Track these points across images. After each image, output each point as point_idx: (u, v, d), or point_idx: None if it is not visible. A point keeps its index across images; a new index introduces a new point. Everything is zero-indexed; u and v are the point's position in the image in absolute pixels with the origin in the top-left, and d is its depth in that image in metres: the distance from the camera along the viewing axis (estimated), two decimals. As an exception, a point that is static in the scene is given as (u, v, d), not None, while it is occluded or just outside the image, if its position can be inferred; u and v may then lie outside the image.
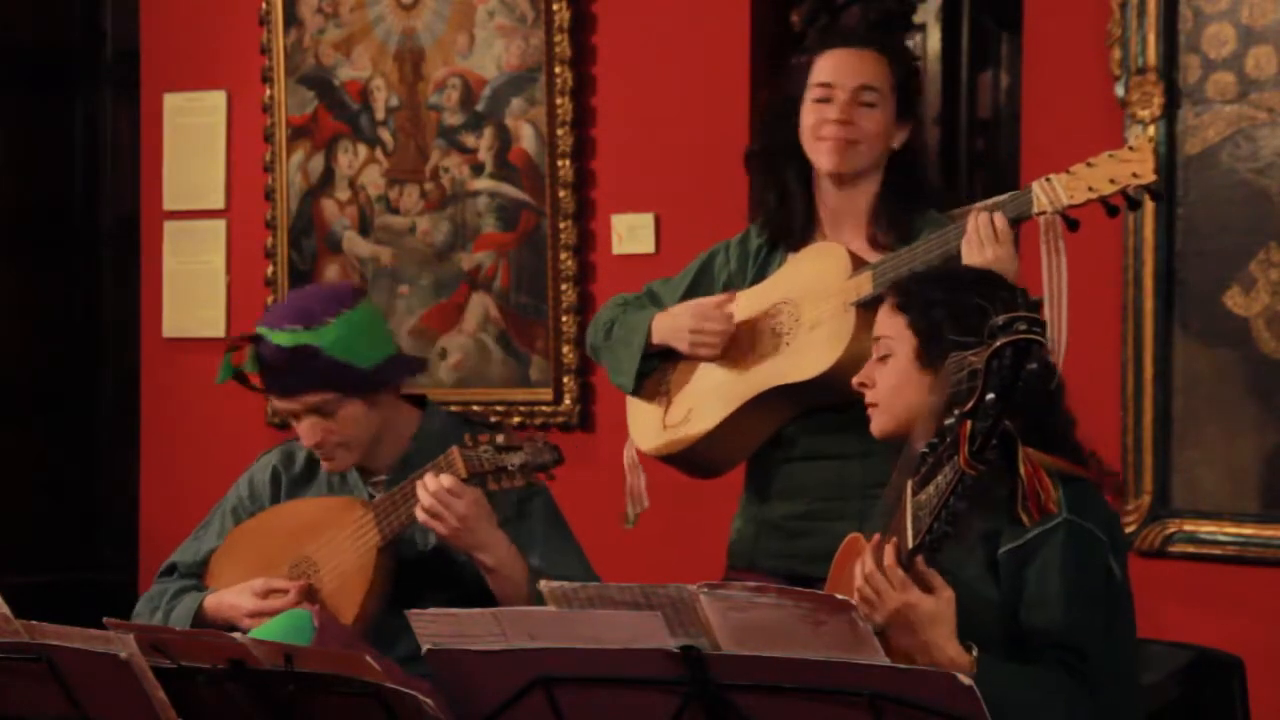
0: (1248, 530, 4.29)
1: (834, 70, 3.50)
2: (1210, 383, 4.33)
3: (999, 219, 3.27)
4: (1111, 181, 3.22)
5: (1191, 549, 4.35)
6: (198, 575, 3.57)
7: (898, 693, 2.25)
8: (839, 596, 2.37)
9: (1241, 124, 4.29)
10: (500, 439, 3.30)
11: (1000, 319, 2.55)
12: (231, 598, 3.43)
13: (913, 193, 3.54)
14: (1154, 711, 2.95)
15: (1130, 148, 3.24)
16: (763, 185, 3.64)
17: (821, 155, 3.50)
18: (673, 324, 3.59)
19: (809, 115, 3.51)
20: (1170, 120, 4.34)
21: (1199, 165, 4.33)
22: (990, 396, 2.50)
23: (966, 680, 2.22)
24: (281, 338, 3.39)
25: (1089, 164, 3.25)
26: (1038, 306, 2.91)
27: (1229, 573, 4.32)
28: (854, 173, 3.51)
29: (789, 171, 3.57)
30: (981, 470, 2.52)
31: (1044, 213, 3.26)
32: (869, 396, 2.98)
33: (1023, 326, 2.51)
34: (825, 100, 3.49)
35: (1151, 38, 4.34)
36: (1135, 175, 3.21)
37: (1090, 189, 3.23)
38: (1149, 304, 4.36)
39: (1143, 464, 4.38)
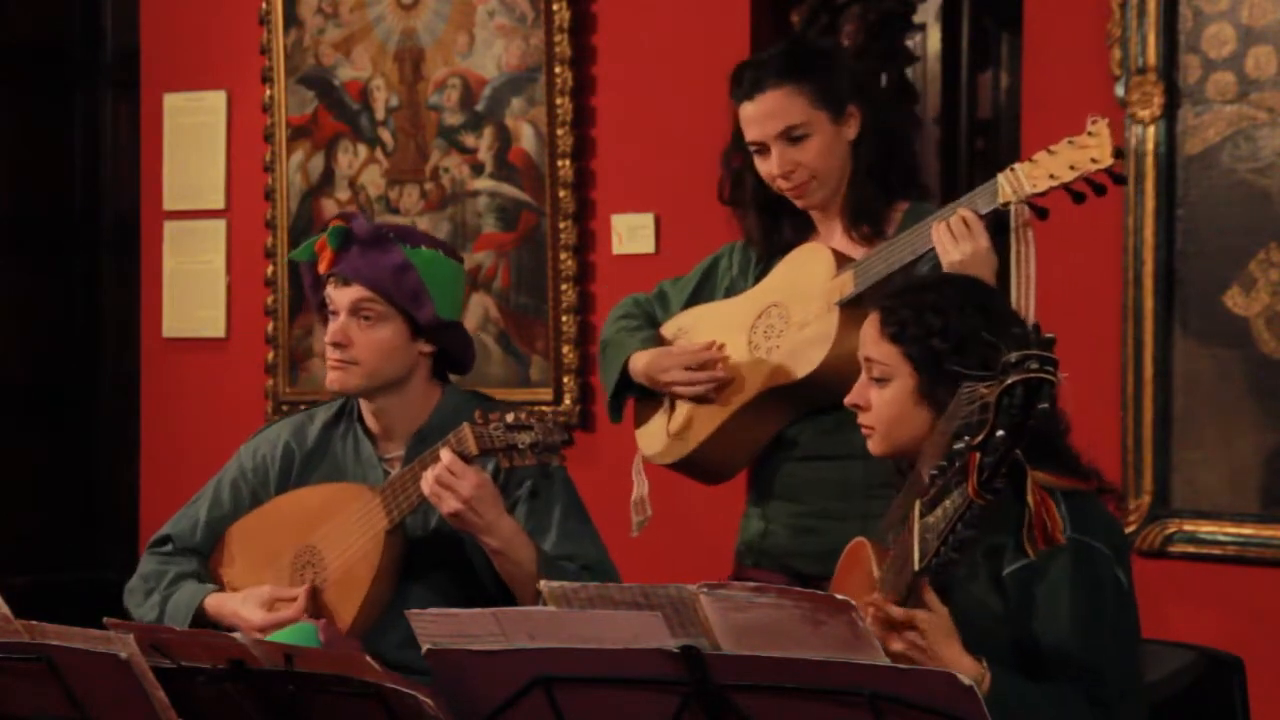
0: (1248, 530, 4.29)
1: (756, 125, 3.48)
2: (1210, 383, 4.33)
3: (967, 214, 3.26)
4: (1072, 168, 3.22)
5: (1191, 549, 4.35)
6: (192, 549, 3.56)
7: (898, 693, 2.25)
8: (839, 596, 2.36)
9: (1241, 124, 4.28)
10: (511, 418, 3.30)
11: (1013, 356, 2.51)
12: (236, 605, 3.43)
13: (884, 176, 3.52)
14: (1154, 711, 2.94)
15: (1089, 133, 3.22)
16: (743, 217, 3.63)
17: (789, 198, 3.52)
18: (655, 365, 3.59)
19: (759, 166, 3.52)
20: (1170, 120, 4.34)
21: (1199, 165, 4.33)
22: (1000, 434, 2.48)
23: (966, 680, 2.22)
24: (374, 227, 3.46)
25: (1050, 151, 3.24)
26: (1051, 344, 2.88)
27: (1229, 573, 4.32)
28: (825, 198, 3.52)
29: (763, 193, 3.56)
30: (989, 500, 2.51)
31: (1009, 203, 3.26)
32: (863, 419, 2.91)
33: (1035, 365, 2.48)
34: (760, 153, 3.50)
35: (1151, 38, 4.34)
36: (1094, 160, 3.20)
37: (1052, 176, 3.22)
38: (1149, 304, 4.36)
39: (1143, 464, 4.38)
